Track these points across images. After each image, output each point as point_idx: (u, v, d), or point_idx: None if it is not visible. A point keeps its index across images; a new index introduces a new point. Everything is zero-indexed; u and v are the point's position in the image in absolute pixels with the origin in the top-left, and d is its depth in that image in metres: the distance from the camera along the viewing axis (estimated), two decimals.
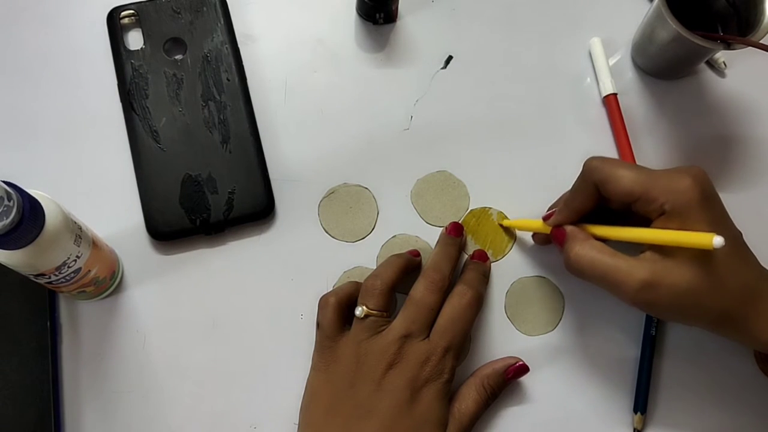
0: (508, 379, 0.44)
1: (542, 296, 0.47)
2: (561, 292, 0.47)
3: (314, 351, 0.43)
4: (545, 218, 0.44)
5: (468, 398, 0.42)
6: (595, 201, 0.41)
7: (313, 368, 0.43)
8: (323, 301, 0.43)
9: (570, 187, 0.43)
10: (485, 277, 0.46)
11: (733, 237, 0.39)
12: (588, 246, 0.40)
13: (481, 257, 0.46)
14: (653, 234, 0.38)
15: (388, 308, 0.43)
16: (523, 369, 0.44)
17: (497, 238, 0.48)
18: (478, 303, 0.43)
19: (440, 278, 0.43)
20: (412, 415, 0.40)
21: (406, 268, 0.45)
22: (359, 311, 0.42)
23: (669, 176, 0.38)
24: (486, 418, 0.44)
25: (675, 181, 0.38)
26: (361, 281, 0.43)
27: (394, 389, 0.40)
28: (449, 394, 0.42)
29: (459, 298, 0.43)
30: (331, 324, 0.42)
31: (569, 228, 0.42)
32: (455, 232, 0.46)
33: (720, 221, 0.38)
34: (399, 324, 0.41)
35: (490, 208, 0.49)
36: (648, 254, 0.38)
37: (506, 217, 0.48)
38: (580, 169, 0.42)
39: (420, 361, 0.40)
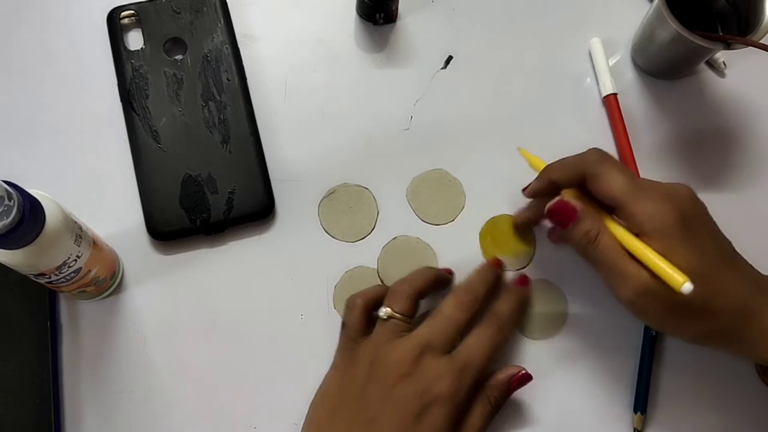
0: (512, 390, 0.43)
1: (545, 300, 0.47)
2: (564, 295, 0.47)
3: (337, 349, 0.43)
4: (524, 189, 0.45)
5: (474, 413, 0.41)
6: (575, 185, 0.41)
7: (333, 366, 0.43)
8: (351, 302, 0.43)
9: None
10: (521, 307, 0.45)
11: (722, 254, 0.39)
12: (607, 235, 0.39)
13: (523, 282, 0.45)
14: (638, 249, 0.38)
15: (413, 314, 0.42)
16: (526, 378, 0.43)
17: (513, 247, 0.48)
18: (504, 336, 0.43)
19: (471, 299, 0.42)
20: (415, 431, 0.39)
21: (437, 281, 0.44)
22: (383, 312, 0.41)
23: (652, 197, 0.38)
24: None
25: (655, 204, 0.37)
26: (365, 281, 0.43)
27: (402, 400, 0.39)
28: (458, 420, 0.40)
29: (485, 328, 0.42)
30: (355, 325, 0.42)
31: (581, 207, 0.40)
32: (497, 264, 0.46)
33: (701, 245, 0.38)
34: (421, 332, 0.41)
35: (507, 215, 0.48)
36: None
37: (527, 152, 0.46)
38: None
39: (434, 376, 0.39)
